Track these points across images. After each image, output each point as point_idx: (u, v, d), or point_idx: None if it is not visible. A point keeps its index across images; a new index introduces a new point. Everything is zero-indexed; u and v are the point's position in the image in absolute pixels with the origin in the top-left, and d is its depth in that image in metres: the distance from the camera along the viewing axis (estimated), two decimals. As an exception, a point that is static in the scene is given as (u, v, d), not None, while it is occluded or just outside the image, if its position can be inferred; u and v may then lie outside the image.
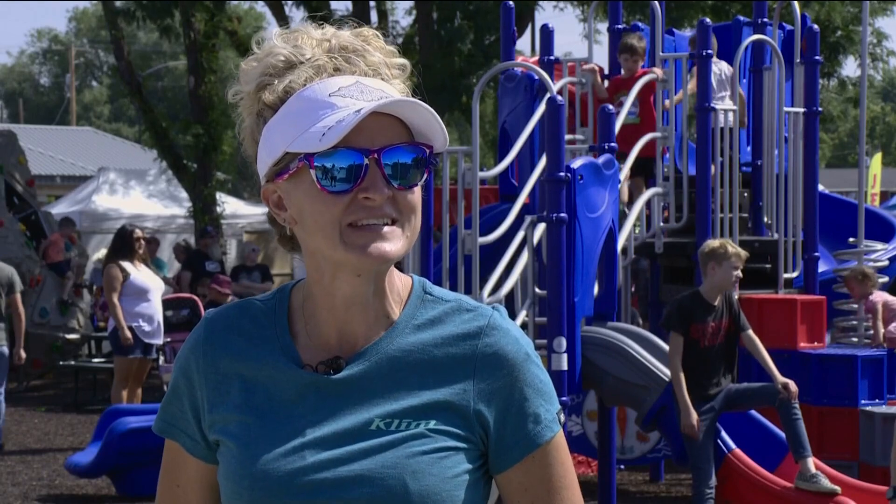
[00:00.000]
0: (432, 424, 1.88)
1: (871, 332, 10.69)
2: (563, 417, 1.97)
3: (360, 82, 1.87)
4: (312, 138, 1.84)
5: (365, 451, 1.86)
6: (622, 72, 11.19)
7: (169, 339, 12.87)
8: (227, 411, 1.95)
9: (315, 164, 1.84)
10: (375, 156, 1.84)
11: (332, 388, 1.91)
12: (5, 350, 11.93)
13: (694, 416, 8.07)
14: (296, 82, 1.88)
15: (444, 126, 1.88)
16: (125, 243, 12.02)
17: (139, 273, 12.06)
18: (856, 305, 11.06)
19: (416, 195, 1.89)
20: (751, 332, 8.37)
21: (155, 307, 12.10)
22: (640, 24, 11.98)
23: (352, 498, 1.85)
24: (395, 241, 1.86)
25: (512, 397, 1.91)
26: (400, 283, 1.97)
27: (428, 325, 1.93)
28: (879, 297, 10.69)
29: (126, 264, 11.96)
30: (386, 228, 1.86)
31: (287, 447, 1.88)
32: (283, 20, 22.19)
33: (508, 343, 1.93)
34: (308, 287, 1.96)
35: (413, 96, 1.93)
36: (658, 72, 10.91)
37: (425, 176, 1.90)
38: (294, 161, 1.87)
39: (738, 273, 8.26)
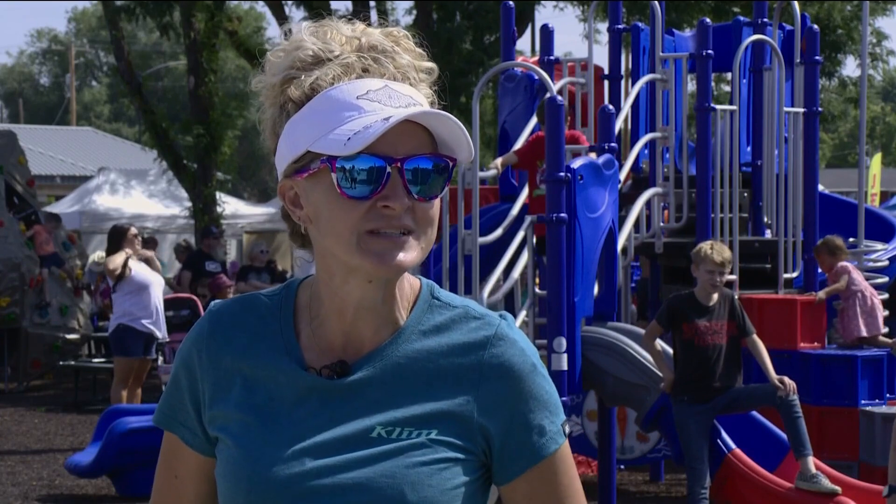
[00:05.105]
0: (434, 434, 1.86)
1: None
2: (568, 428, 1.95)
3: (388, 86, 1.84)
4: (337, 141, 1.81)
5: (365, 459, 1.85)
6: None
7: (168, 340, 12.87)
8: (227, 408, 1.93)
9: (337, 167, 1.82)
10: (398, 164, 1.82)
11: (335, 392, 1.89)
12: None
13: (671, 375, 8.26)
14: (323, 80, 1.85)
15: (470, 139, 1.85)
16: (123, 238, 12.03)
17: (139, 268, 12.08)
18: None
19: (435, 208, 1.87)
20: (755, 336, 8.37)
21: (156, 301, 12.12)
22: (640, 23, 11.97)
23: None
24: (411, 252, 1.84)
25: (516, 409, 1.89)
26: (409, 287, 1.95)
27: (434, 331, 1.91)
28: (852, 267, 10.48)
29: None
30: (402, 238, 1.83)
31: (287, 452, 1.87)
32: (283, 20, 22.19)
33: (515, 354, 1.90)
34: (316, 286, 1.94)
35: (437, 100, 1.92)
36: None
37: (446, 187, 1.87)
38: (315, 161, 1.84)
39: (718, 277, 8.25)
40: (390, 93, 1.84)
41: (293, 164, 1.88)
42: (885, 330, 10.55)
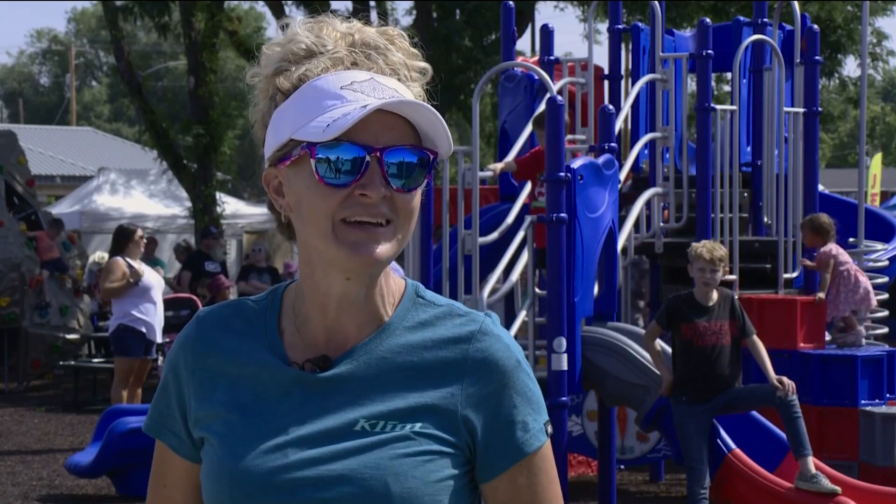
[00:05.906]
0: (418, 427, 1.86)
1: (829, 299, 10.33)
2: (550, 429, 1.95)
3: (374, 79, 1.86)
4: (316, 128, 1.83)
5: (348, 451, 1.84)
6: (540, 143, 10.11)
7: (168, 340, 12.86)
8: (211, 408, 1.93)
9: (316, 154, 1.83)
10: (378, 154, 1.83)
11: (318, 386, 1.89)
12: None
13: (670, 377, 8.26)
14: (312, 71, 1.87)
15: (449, 133, 1.86)
16: (129, 240, 12.00)
17: (140, 268, 12.06)
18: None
19: (415, 199, 1.87)
20: (755, 337, 8.37)
21: (158, 305, 12.10)
22: (640, 23, 11.97)
23: (331, 497, 1.83)
24: (386, 244, 1.84)
25: (501, 404, 1.89)
26: (394, 286, 1.95)
27: (419, 327, 1.92)
28: (835, 248, 10.39)
29: (131, 262, 11.96)
30: (379, 229, 1.84)
31: (269, 445, 1.87)
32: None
33: (499, 349, 1.90)
34: (300, 283, 1.95)
35: (429, 100, 1.92)
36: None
37: (426, 180, 1.88)
38: (297, 148, 1.86)
39: (710, 275, 8.24)
40: (375, 84, 1.85)
41: (277, 151, 1.90)
42: (873, 304, 10.45)
